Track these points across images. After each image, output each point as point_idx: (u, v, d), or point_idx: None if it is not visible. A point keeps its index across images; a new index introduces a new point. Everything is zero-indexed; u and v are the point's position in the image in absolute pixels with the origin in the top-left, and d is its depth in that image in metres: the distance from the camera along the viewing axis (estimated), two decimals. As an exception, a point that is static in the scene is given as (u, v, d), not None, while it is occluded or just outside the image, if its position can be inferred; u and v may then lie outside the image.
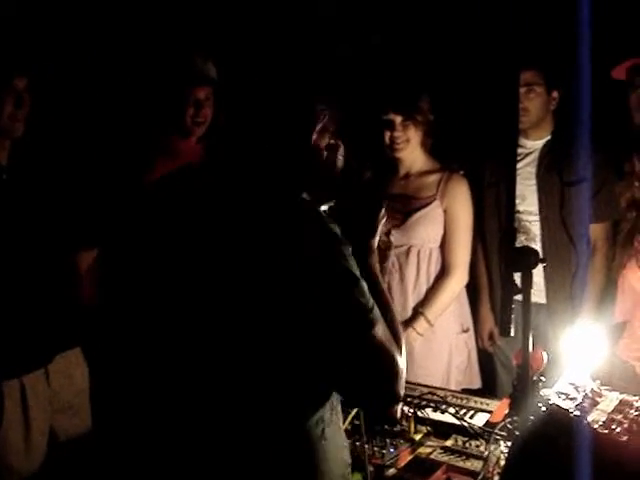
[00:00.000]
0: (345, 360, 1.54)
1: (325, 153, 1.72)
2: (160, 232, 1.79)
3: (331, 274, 1.53)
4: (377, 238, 1.85)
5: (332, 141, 1.74)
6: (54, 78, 3.22)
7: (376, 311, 1.57)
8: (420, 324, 3.26)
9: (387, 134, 3.28)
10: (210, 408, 1.64)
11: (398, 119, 3.25)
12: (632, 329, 2.90)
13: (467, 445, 2.32)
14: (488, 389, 3.45)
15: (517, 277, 2.01)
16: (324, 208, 1.84)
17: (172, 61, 3.02)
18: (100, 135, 3.21)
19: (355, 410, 2.39)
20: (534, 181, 3.42)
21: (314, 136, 1.68)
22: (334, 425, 1.70)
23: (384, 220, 1.88)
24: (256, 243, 1.57)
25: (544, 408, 1.96)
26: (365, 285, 1.57)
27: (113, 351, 2.10)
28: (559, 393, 2.03)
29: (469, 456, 2.25)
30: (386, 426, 2.39)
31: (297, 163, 1.68)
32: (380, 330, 1.56)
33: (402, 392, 1.60)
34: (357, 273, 1.57)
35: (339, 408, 1.74)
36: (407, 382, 2.84)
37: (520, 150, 3.46)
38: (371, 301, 1.57)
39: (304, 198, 1.67)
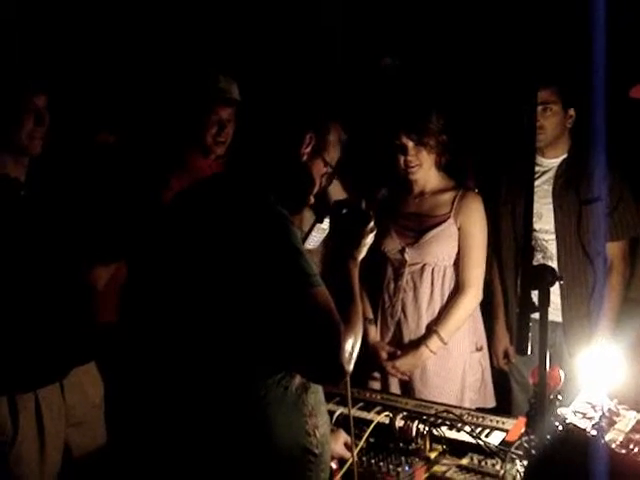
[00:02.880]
0: (285, 320, 1.70)
1: (320, 178, 1.98)
2: (166, 241, 1.95)
3: (278, 245, 1.75)
4: (363, 250, 2.03)
5: (329, 170, 2.00)
6: (75, 94, 3.25)
7: (319, 279, 1.74)
8: (434, 342, 3.24)
9: (401, 158, 3.28)
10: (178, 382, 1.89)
11: (410, 144, 3.24)
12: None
13: (483, 464, 2.30)
14: (503, 408, 3.42)
15: (534, 295, 2.01)
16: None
17: (197, 80, 3.03)
18: (119, 151, 3.23)
19: (371, 427, 2.40)
20: (550, 199, 3.41)
21: (304, 157, 1.94)
22: (282, 395, 1.82)
23: (372, 235, 2.04)
24: (223, 232, 1.81)
25: (561, 427, 1.95)
26: (311, 261, 1.78)
27: (131, 365, 2.18)
28: (576, 412, 2.02)
29: (485, 475, 2.24)
30: (401, 444, 2.39)
31: (277, 174, 1.94)
32: (320, 294, 1.72)
33: (348, 367, 1.71)
34: (303, 251, 1.78)
35: (294, 383, 1.85)
36: (422, 400, 2.87)
37: (536, 168, 3.45)
38: (315, 270, 1.76)
39: (267, 196, 1.86)
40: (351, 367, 1.73)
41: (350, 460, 2.22)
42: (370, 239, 2.04)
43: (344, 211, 2.06)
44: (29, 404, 2.58)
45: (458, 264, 3.32)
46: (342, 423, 2.47)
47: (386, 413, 2.55)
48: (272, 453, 1.81)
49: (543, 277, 1.91)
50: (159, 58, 3.73)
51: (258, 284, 1.73)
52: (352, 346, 1.73)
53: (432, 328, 3.27)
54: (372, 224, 2.04)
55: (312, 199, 2.01)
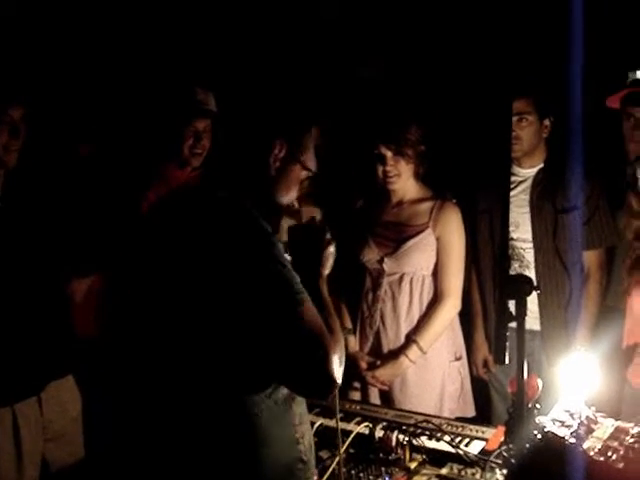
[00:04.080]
0: (275, 336, 1.69)
1: (298, 183, 1.98)
2: (146, 254, 1.91)
3: (263, 260, 1.73)
4: (327, 264, 2.01)
5: (309, 174, 1.99)
6: (51, 106, 3.23)
7: (305, 294, 1.73)
8: (413, 352, 3.25)
9: (379, 168, 3.30)
10: (167, 393, 1.85)
11: (389, 154, 3.26)
12: (641, 354, 2.91)
13: (463, 473, 2.30)
14: (483, 417, 3.43)
15: (511, 305, 2.02)
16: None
17: (173, 92, 3.03)
18: (95, 163, 3.21)
19: (351, 437, 2.39)
20: (527, 209, 3.44)
21: (277, 163, 1.92)
22: (273, 408, 1.82)
23: (331, 247, 2.03)
24: (206, 246, 1.77)
25: (539, 436, 1.96)
26: (295, 275, 1.76)
27: (116, 382, 2.15)
28: (554, 420, 2.03)
29: (465, 485, 2.24)
30: (381, 454, 2.38)
31: (250, 182, 1.93)
32: (308, 309, 1.71)
33: (338, 378, 1.71)
34: (286, 263, 1.76)
35: (282, 395, 1.84)
36: (401, 410, 2.87)
37: (513, 178, 3.48)
38: (300, 284, 1.74)
39: (244, 204, 1.84)
40: (340, 379, 1.73)
41: (330, 470, 2.22)
42: (331, 251, 2.02)
43: (295, 231, 2.05)
44: (6, 418, 2.56)
45: (437, 274, 3.34)
46: (322, 434, 2.47)
47: (366, 423, 2.55)
48: (267, 465, 1.81)
49: (520, 287, 1.92)
50: (138, 68, 3.72)
51: (245, 301, 1.71)
52: (340, 358, 1.73)
53: (411, 338, 3.28)
54: (328, 236, 2.03)
55: (295, 204, 2.03)
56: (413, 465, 2.35)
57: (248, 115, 1.96)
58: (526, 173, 3.50)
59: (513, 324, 2.00)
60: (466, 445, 2.46)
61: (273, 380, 1.81)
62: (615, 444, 1.93)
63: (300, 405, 1.91)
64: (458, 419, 2.96)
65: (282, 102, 1.98)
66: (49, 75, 3.46)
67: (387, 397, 3.32)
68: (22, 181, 2.68)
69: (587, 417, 2.06)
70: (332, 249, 2.03)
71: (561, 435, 1.95)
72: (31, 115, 2.59)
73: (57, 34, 3.71)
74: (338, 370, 1.71)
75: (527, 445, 1.95)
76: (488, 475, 2.19)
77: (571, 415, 2.07)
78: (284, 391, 1.84)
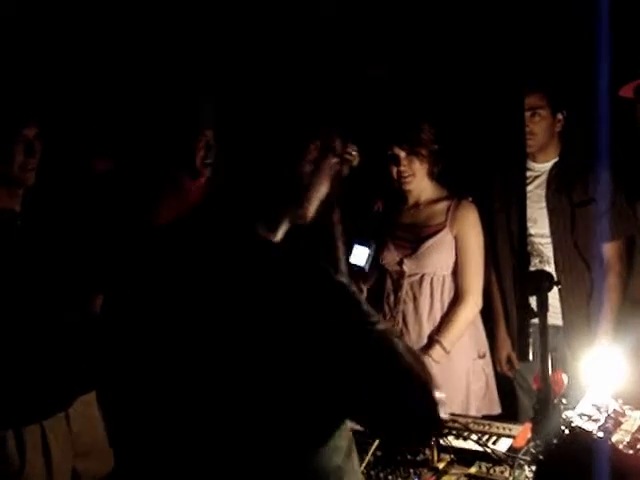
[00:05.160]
0: (380, 398, 1.42)
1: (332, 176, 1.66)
2: (156, 283, 1.59)
3: (352, 331, 1.42)
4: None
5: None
6: (63, 121, 3.26)
7: (389, 328, 1.51)
8: (436, 352, 3.24)
9: (394, 169, 3.30)
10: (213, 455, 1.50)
11: (402, 154, 3.26)
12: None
13: (491, 471, 2.29)
14: (509, 414, 3.42)
15: (533, 301, 2.01)
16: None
17: (184, 104, 3.05)
18: (112, 178, 3.24)
19: (378, 440, 2.39)
20: (544, 203, 3.43)
21: (306, 166, 1.59)
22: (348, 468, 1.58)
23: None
24: (255, 301, 1.43)
25: (567, 431, 1.95)
26: (374, 313, 1.47)
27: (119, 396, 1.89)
28: (581, 415, 2.03)
29: (494, 483, 2.23)
30: (409, 455, 2.38)
31: (280, 191, 1.60)
32: (403, 349, 1.45)
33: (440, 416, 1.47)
34: (372, 316, 1.46)
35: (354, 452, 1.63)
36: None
37: (528, 173, 3.47)
38: (385, 325, 1.49)
39: (309, 257, 1.53)
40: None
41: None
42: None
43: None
44: (35, 435, 2.58)
45: (456, 273, 3.33)
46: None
47: (392, 425, 2.54)
48: None
49: (540, 283, 1.92)
50: (147, 78, 3.74)
51: (339, 375, 1.41)
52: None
53: (434, 338, 3.28)
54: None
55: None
56: (441, 465, 2.34)
57: (268, 121, 1.61)
58: (541, 168, 3.48)
59: (535, 321, 2.00)
60: (494, 443, 2.45)
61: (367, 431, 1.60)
62: (644, 436, 1.92)
63: (354, 455, 1.65)
64: (484, 417, 2.95)
65: (307, 99, 1.68)
66: (60, 90, 3.48)
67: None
68: (41, 199, 2.71)
69: (614, 410, 2.05)
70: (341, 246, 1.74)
71: (589, 429, 1.94)
72: (45, 132, 2.61)
73: (66, 48, 3.73)
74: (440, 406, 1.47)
75: (555, 441, 1.94)
76: (517, 472, 2.17)
77: (598, 409, 2.06)
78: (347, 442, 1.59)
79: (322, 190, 1.64)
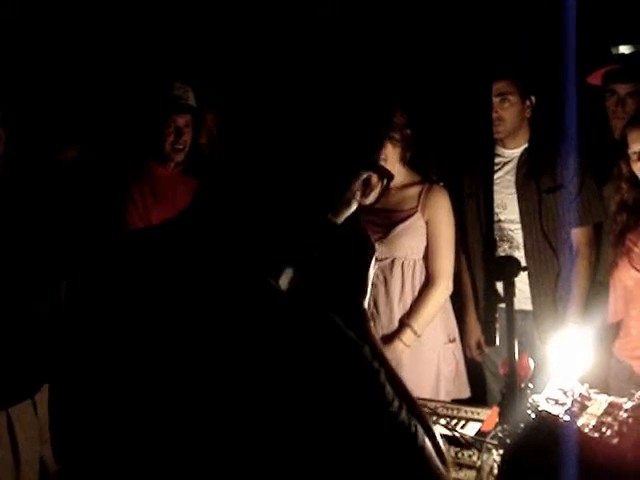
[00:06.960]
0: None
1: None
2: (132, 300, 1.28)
3: (357, 395, 1.14)
4: (367, 298, 1.42)
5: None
6: (30, 108, 3.22)
7: (410, 419, 1.19)
8: (407, 335, 3.26)
9: None
10: None
11: None
12: (626, 328, 2.93)
13: (460, 455, 2.31)
14: (478, 398, 3.45)
15: (500, 286, 2.02)
16: None
17: (152, 88, 3.04)
18: (82, 166, 3.21)
19: None
20: (514, 189, 3.44)
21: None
22: None
23: (373, 273, 1.45)
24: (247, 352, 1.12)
25: (534, 415, 1.97)
26: (390, 391, 1.19)
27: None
28: (548, 399, 2.04)
29: (462, 466, 2.24)
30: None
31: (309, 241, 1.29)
32: (424, 444, 1.21)
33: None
34: (388, 394, 1.18)
35: None
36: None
37: (498, 159, 3.48)
38: (401, 405, 1.20)
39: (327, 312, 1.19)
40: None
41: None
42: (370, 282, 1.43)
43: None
44: (1, 422, 2.55)
45: (427, 258, 3.34)
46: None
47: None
48: None
49: (507, 268, 1.92)
50: (124, 70, 3.71)
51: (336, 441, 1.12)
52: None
53: (405, 322, 3.28)
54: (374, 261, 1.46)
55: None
56: (410, 449, 2.35)
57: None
58: (511, 154, 3.50)
59: (502, 305, 2.01)
60: (462, 427, 2.46)
61: None
62: (609, 420, 1.94)
63: None
64: (454, 401, 2.97)
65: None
66: (27, 78, 3.44)
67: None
68: (7, 187, 2.67)
69: (580, 394, 2.07)
70: (373, 264, 1.45)
71: (555, 413, 1.96)
72: (10, 120, 2.57)
73: (32, 32, 3.68)
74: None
75: (522, 425, 1.95)
76: (485, 456, 2.19)
77: (564, 393, 2.08)
78: None
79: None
